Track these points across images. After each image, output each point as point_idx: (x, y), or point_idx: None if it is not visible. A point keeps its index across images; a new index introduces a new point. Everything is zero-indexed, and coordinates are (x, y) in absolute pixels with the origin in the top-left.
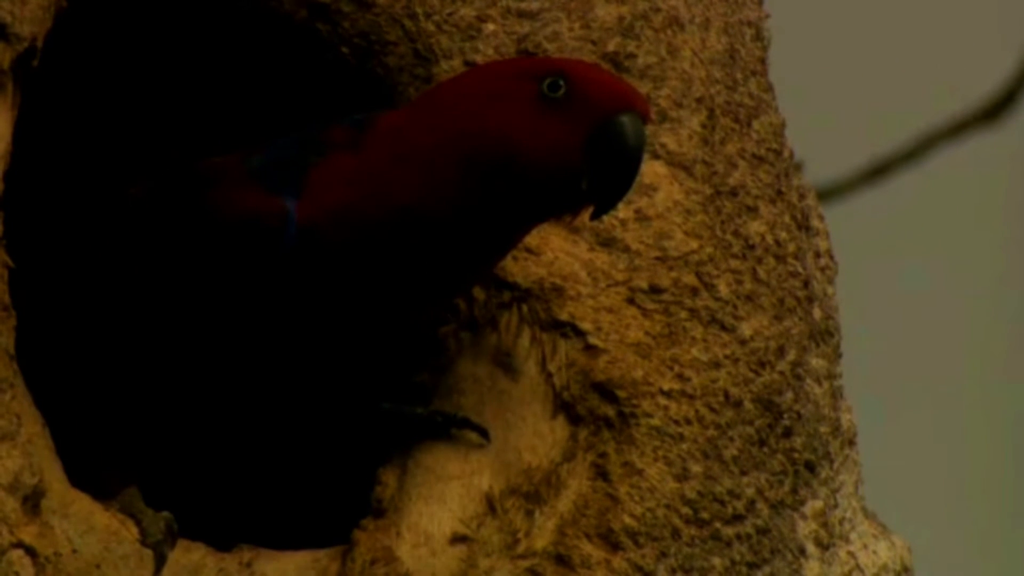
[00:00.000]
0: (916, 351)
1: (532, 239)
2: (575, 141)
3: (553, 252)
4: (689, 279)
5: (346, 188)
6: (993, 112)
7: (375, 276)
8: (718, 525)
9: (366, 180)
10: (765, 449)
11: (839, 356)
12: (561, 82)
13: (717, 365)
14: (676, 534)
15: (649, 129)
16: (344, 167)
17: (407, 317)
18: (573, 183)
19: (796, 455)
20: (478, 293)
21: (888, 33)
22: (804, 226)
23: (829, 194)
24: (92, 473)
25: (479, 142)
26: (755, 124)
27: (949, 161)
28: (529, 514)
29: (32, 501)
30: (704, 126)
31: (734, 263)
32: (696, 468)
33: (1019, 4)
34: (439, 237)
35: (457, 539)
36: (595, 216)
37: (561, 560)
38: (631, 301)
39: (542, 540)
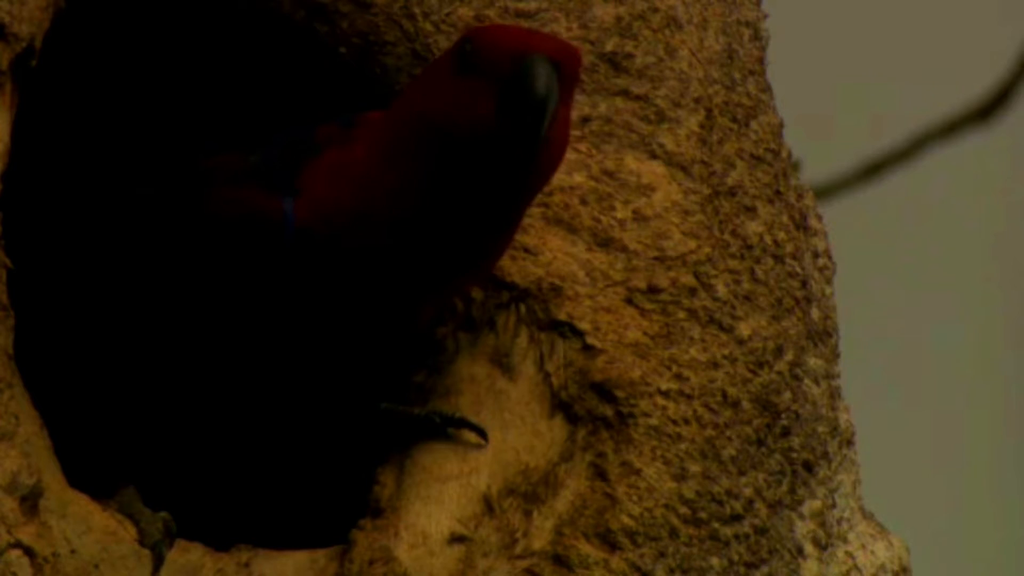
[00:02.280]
0: (914, 350)
1: (530, 239)
2: (487, 97)
3: (551, 252)
4: (687, 279)
5: (336, 185)
6: (987, 111)
7: (371, 272)
8: (716, 525)
9: (352, 176)
10: (763, 449)
11: (837, 356)
12: (468, 47)
13: (715, 365)
14: (674, 534)
15: (647, 129)
16: (334, 165)
17: (404, 315)
18: (499, 140)
19: (794, 455)
20: (476, 293)
21: (883, 33)
22: (802, 226)
23: (824, 193)
24: (90, 473)
25: (418, 125)
26: (753, 124)
27: (943, 160)
28: (527, 514)
29: (30, 501)
30: (702, 126)
31: (732, 263)
32: (694, 468)
33: (1014, 4)
34: (423, 225)
35: (455, 539)
36: (522, 166)
37: (559, 560)
38: (629, 301)
39: (540, 540)
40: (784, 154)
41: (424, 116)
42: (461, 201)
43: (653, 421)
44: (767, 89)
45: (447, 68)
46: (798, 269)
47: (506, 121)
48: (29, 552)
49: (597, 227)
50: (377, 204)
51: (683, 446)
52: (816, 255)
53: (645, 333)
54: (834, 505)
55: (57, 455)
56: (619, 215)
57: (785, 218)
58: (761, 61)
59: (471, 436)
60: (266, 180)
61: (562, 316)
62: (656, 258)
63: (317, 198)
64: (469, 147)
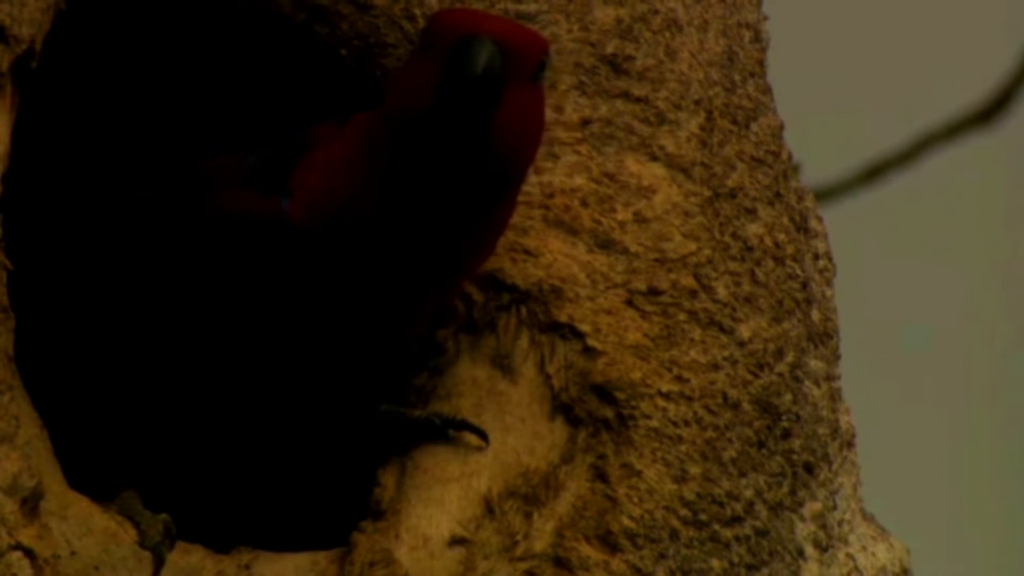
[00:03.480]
0: (914, 352)
1: (530, 241)
2: (432, 76)
3: (552, 254)
4: (687, 281)
5: (322, 180)
6: (988, 114)
7: (364, 267)
8: (717, 527)
9: (334, 169)
10: (764, 451)
11: (837, 358)
12: (426, 30)
13: (716, 367)
14: (675, 536)
15: (648, 131)
16: (321, 161)
17: (402, 314)
18: (438, 118)
19: (795, 457)
20: (477, 295)
21: (884, 35)
22: (802, 228)
23: (825, 195)
24: (91, 476)
25: (384, 109)
26: (753, 126)
27: (945, 163)
28: (528, 516)
29: (31, 503)
30: (702, 128)
31: (732, 265)
32: (695, 470)
33: (1015, 6)
34: (399, 211)
35: (456, 541)
36: (467, 147)
37: (560, 562)
38: (630, 303)
39: (541, 542)
40: (784, 156)
41: (388, 99)
42: (426, 186)
43: (654, 423)
44: (767, 91)
45: (410, 54)
46: (798, 271)
47: (443, 99)
48: (30, 554)
49: (598, 229)
50: (355, 193)
51: (683, 448)
52: (816, 257)
53: (646, 335)
54: (835, 507)
55: (58, 457)
56: (620, 217)
57: (785, 220)
58: (761, 63)
59: (472, 438)
60: (264, 182)
61: (563, 318)
62: (657, 260)
63: (306, 195)
64: (415, 127)
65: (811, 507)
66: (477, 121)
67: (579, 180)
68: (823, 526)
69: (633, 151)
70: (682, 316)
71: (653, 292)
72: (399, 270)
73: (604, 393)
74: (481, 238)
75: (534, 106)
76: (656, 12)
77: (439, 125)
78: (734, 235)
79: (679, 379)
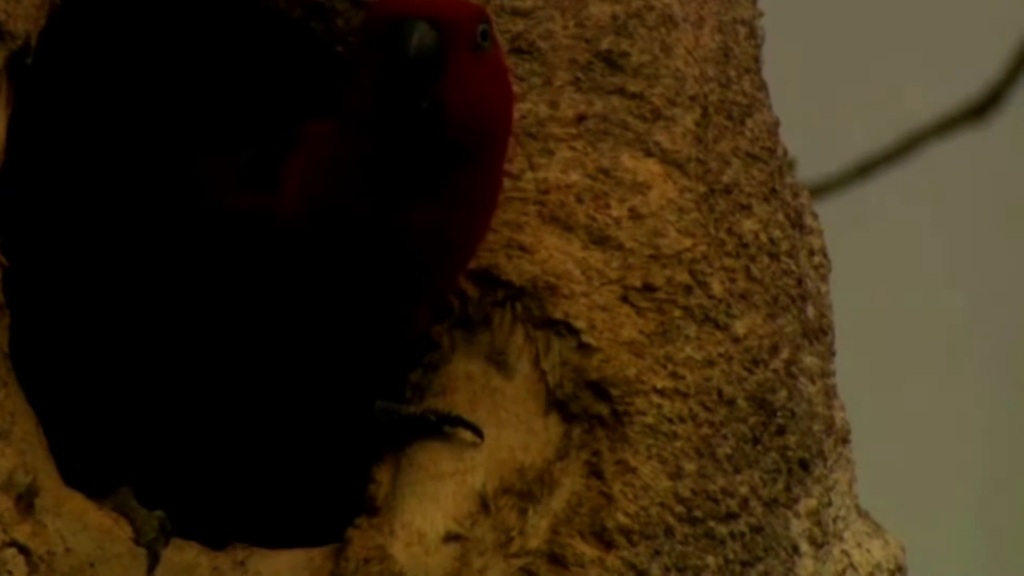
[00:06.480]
0: (909, 348)
1: (525, 237)
2: (374, 67)
3: (547, 250)
4: (682, 277)
5: (304, 177)
6: (981, 110)
7: (353, 263)
8: (712, 523)
9: (313, 167)
10: (759, 447)
11: (832, 354)
12: (363, 25)
13: (711, 363)
14: (670, 532)
15: (643, 127)
16: (304, 158)
17: (398, 311)
18: (383, 110)
19: (790, 453)
20: (471, 291)
21: (878, 31)
22: (798, 224)
23: (818, 191)
24: (86, 473)
25: (343, 114)
26: (749, 122)
27: (938, 159)
28: (522, 512)
29: (26, 500)
30: (698, 124)
31: (728, 261)
32: (690, 466)
33: (1007, 3)
34: (373, 204)
35: (450, 537)
36: (422, 134)
37: (555, 559)
38: (625, 299)
39: (536, 539)
40: (779, 152)
41: (345, 99)
42: (395, 175)
43: (649, 419)
44: (762, 87)
45: (356, 48)
46: (793, 267)
47: (389, 87)
48: (24, 551)
49: (592, 225)
50: (332, 191)
51: (679, 444)
52: (812, 253)
53: (641, 331)
54: (830, 503)
55: (53, 454)
56: (615, 213)
57: (780, 216)
58: (757, 59)
59: (466, 434)
60: (255, 180)
61: (558, 314)
62: (651, 256)
63: (290, 194)
64: (370, 122)
65: (806, 503)
66: (424, 100)
67: (574, 176)
68: (818, 522)
69: (628, 147)
70: (677, 312)
71: (648, 288)
72: (388, 264)
73: (599, 389)
74: (469, 226)
75: (483, 74)
76: (651, 8)
77: (391, 115)
78: (729, 231)
79: (674, 375)
